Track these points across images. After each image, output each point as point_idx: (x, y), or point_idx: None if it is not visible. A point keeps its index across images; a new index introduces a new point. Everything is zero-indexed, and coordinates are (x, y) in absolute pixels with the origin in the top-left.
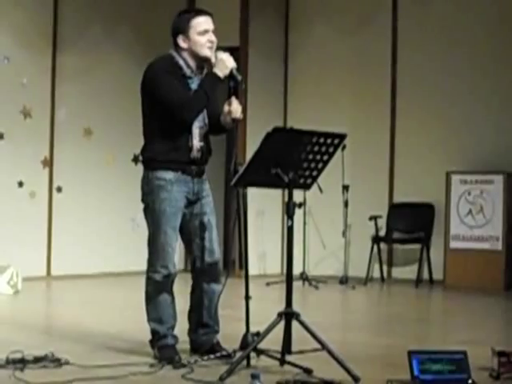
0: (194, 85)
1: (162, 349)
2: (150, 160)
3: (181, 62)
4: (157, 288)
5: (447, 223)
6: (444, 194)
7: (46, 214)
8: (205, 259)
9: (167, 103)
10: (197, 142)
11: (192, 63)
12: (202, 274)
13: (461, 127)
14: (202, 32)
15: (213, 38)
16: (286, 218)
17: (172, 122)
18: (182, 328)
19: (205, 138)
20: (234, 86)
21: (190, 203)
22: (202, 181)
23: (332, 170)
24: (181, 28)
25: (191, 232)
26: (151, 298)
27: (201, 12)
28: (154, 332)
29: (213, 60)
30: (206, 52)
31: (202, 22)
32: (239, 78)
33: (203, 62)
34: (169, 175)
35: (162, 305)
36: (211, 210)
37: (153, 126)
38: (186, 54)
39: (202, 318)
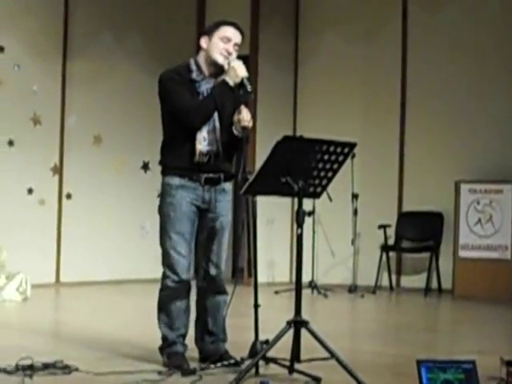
0: (202, 88)
1: (171, 356)
2: (162, 166)
3: (193, 67)
4: (168, 293)
5: (456, 232)
6: (453, 203)
7: (55, 221)
8: (208, 271)
9: (175, 110)
10: (201, 147)
11: (204, 67)
12: (207, 286)
13: (470, 136)
14: (224, 38)
15: (231, 49)
16: (296, 226)
17: (180, 128)
18: (190, 336)
19: (216, 142)
20: (243, 95)
21: (202, 211)
22: (218, 191)
23: (341, 178)
24: (208, 30)
25: (199, 241)
26: (162, 302)
27: (234, 24)
28: (163, 338)
29: (226, 67)
30: (218, 57)
31: (228, 31)
32: (249, 88)
33: (216, 68)
34: (174, 181)
35: (173, 311)
36: (224, 225)
37: (165, 133)
38: (202, 56)
39: (208, 326)
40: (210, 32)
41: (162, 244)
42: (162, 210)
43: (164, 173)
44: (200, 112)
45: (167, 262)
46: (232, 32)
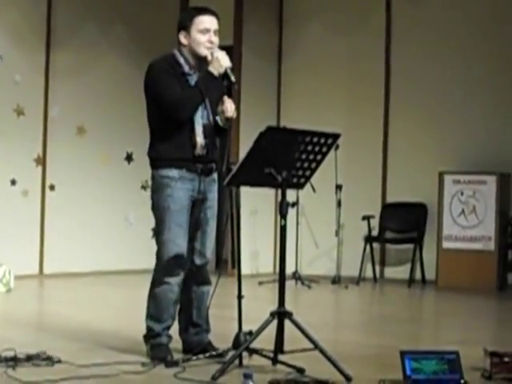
0: (193, 82)
1: (155, 347)
2: (155, 159)
3: (181, 60)
4: (161, 285)
5: (440, 223)
6: (437, 194)
7: (38, 213)
8: (194, 261)
9: (162, 101)
10: (201, 139)
11: (192, 60)
12: (192, 276)
13: (454, 127)
14: (203, 30)
15: (213, 38)
16: (279, 217)
17: (170, 119)
18: (174, 328)
19: (210, 135)
20: (227, 85)
21: (195, 202)
22: (210, 181)
23: (325, 169)
24: (184, 24)
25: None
26: (154, 294)
27: (206, 11)
28: (149, 329)
29: (209, 58)
30: (203, 51)
31: (205, 21)
32: (233, 78)
33: (201, 61)
34: (172, 173)
35: (163, 303)
36: (212, 215)
37: (155, 125)
38: (186, 51)
39: (192, 317)
40: (186, 26)
41: (161, 237)
42: (159, 204)
43: (158, 166)
44: (186, 104)
45: (166, 255)
46: (209, 20)
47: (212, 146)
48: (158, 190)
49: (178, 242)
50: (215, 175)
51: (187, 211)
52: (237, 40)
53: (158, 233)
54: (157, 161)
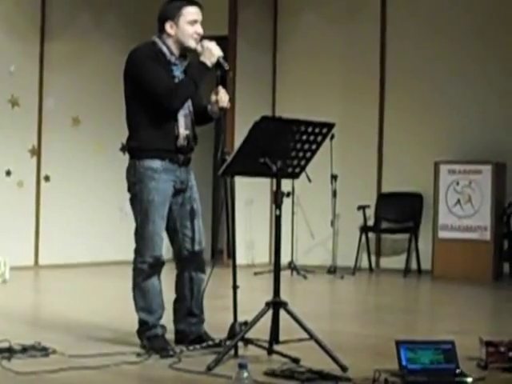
0: (178, 72)
1: (152, 339)
2: (137, 149)
3: (164, 49)
4: (145, 277)
5: (435, 213)
6: (432, 183)
7: (33, 203)
8: (191, 249)
9: (152, 90)
10: (183, 130)
11: (175, 50)
12: (189, 264)
13: (449, 117)
14: (191, 22)
15: (200, 29)
16: (274, 207)
17: (157, 109)
18: (167, 318)
19: (191, 126)
20: (221, 74)
21: (177, 192)
22: (188, 170)
23: (320, 159)
24: (170, 14)
25: (176, 221)
26: (140, 287)
27: (193, 2)
28: (142, 322)
29: (198, 50)
30: (191, 43)
31: (193, 12)
32: (226, 66)
33: (187, 52)
34: (156, 164)
35: (151, 294)
36: (196, 200)
37: (137, 114)
38: (170, 41)
39: (191, 307)
40: (173, 17)
41: (144, 230)
42: (142, 196)
43: (140, 156)
44: (179, 94)
45: (149, 247)
46: (196, 12)
47: (192, 137)
48: (141, 182)
49: (162, 235)
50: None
51: (169, 202)
52: (231, 30)
53: (141, 225)
54: (139, 151)
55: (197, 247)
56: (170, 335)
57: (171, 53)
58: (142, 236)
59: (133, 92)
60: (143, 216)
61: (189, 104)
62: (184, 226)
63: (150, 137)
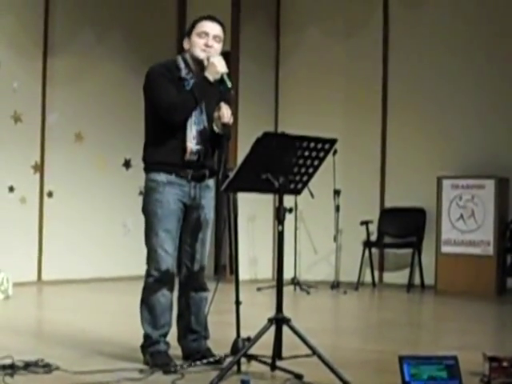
0: (190, 86)
1: (155, 355)
2: (145, 162)
3: (181, 65)
4: (152, 292)
5: (438, 228)
6: (435, 198)
7: (36, 219)
8: (190, 267)
9: (157, 105)
10: (192, 145)
11: (192, 65)
12: (189, 282)
13: (452, 132)
14: (200, 34)
15: (210, 42)
16: (277, 223)
17: (164, 123)
18: (173, 334)
19: (204, 141)
20: (223, 91)
21: (188, 208)
22: (203, 187)
23: (323, 174)
24: (188, 30)
25: (181, 238)
26: (145, 301)
27: (210, 18)
28: (146, 336)
29: (205, 63)
30: (198, 53)
31: (204, 25)
32: (229, 84)
33: (200, 65)
34: (161, 177)
35: (156, 309)
36: (206, 221)
37: (149, 129)
38: (188, 56)
39: (190, 324)
40: (189, 32)
41: (148, 242)
42: (147, 208)
43: (149, 169)
44: (179, 108)
45: (153, 260)
46: (209, 25)
47: (205, 152)
48: (147, 194)
49: (166, 248)
50: (210, 182)
51: (175, 217)
52: (234, 45)
53: (146, 237)
54: (147, 164)
55: (195, 266)
56: (178, 352)
57: (187, 67)
58: (147, 249)
59: (146, 107)
60: (148, 228)
61: (203, 119)
62: (188, 244)
63: (157, 150)
